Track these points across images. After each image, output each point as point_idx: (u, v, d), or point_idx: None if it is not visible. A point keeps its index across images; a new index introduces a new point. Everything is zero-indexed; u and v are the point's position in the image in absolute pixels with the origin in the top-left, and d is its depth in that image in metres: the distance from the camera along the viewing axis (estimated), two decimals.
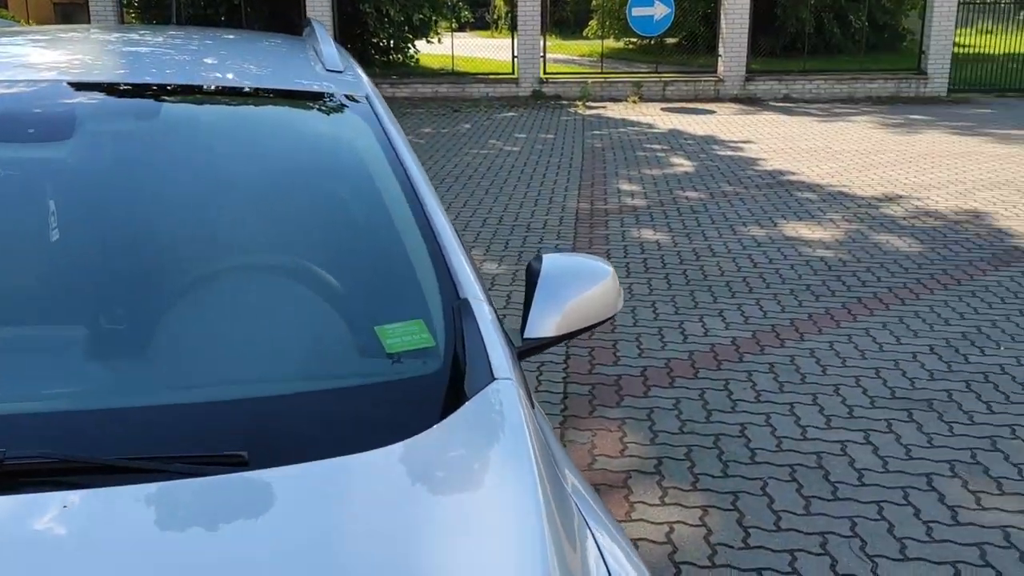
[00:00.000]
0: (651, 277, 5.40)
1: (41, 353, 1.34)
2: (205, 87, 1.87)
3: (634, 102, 13.94)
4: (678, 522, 2.88)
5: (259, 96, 1.90)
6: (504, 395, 1.30)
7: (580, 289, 1.67)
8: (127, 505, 1.04)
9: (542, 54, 14.29)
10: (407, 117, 12.17)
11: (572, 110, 13.05)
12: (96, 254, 1.51)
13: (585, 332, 1.70)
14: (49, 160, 1.66)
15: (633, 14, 14.43)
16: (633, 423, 3.56)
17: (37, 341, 1.37)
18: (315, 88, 1.93)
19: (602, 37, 18.96)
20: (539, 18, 14.12)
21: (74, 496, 1.04)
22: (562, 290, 1.65)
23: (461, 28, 35.23)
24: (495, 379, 1.34)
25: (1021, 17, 16.81)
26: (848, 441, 3.41)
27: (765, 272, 5.50)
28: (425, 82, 14.41)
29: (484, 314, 1.49)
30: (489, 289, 5.10)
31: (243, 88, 1.92)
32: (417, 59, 17.04)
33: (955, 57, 14.51)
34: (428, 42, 17.21)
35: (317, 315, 1.49)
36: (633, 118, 12.34)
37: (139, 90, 1.82)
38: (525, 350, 1.60)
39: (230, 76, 1.98)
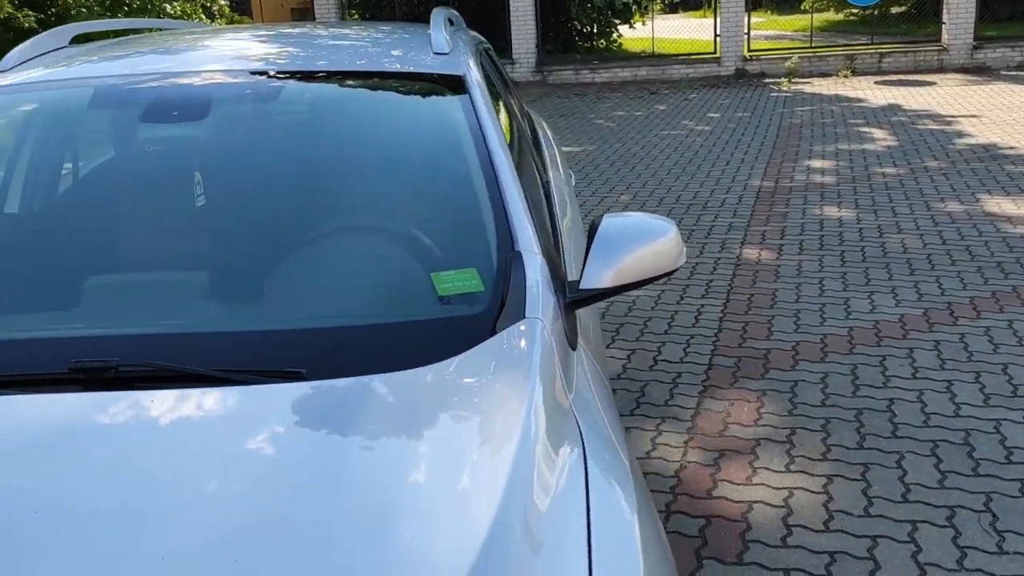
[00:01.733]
0: (824, 254, 5.26)
1: (165, 290, 1.68)
2: (320, 72, 2.19)
3: (845, 76, 13.28)
4: (800, 488, 2.90)
5: (367, 77, 2.19)
6: (527, 331, 1.48)
7: (638, 244, 1.79)
8: (202, 402, 1.33)
9: (746, 31, 13.93)
10: (603, 101, 12.33)
11: (776, 87, 12.64)
12: (207, 214, 1.85)
13: (643, 285, 1.82)
14: (192, 138, 2.02)
15: None
16: (774, 395, 3.56)
17: (162, 282, 1.71)
18: (417, 69, 2.18)
19: (813, 10, 18.10)
20: None
21: (166, 394, 1.34)
22: (620, 245, 1.78)
23: (673, 9, 34.52)
24: (525, 318, 1.52)
25: None
26: (1004, 420, 3.24)
27: (953, 249, 5.20)
28: (624, 66, 14.48)
29: (534, 265, 1.66)
30: None
31: (353, 71, 2.22)
32: (620, 44, 17.12)
33: None
34: (631, 27, 17.22)
35: (388, 265, 1.74)
36: (841, 93, 11.78)
37: (265, 75, 2.15)
38: (579, 299, 1.75)
39: (346, 62, 2.28)
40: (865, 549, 2.58)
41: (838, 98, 11.36)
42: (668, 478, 2.99)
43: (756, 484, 2.94)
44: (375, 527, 1.10)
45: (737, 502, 2.84)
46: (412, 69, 2.19)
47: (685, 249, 1.89)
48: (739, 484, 2.94)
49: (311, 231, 1.81)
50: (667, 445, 3.21)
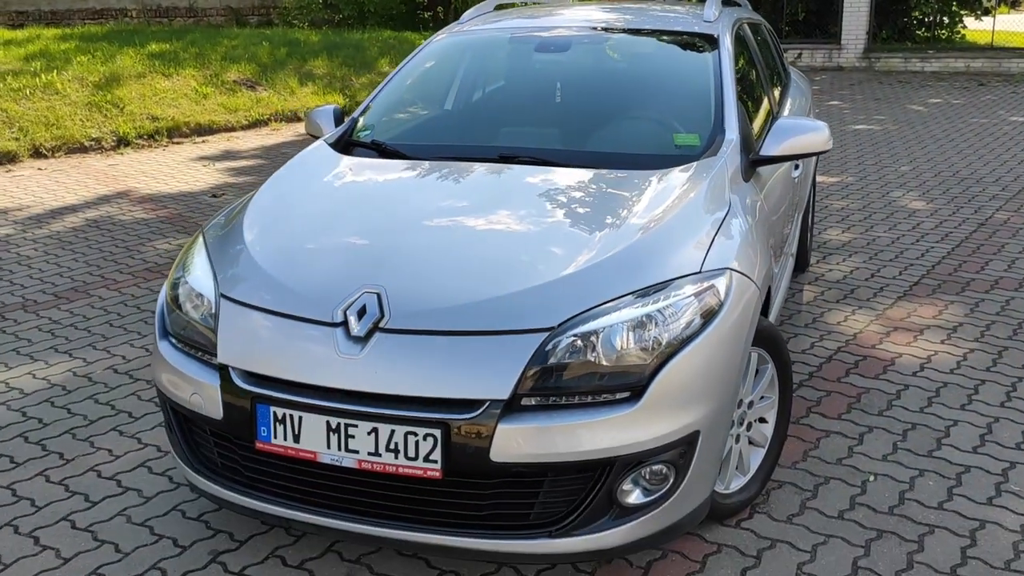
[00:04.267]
0: None
1: (540, 136, 3.31)
2: (626, 28, 3.77)
3: None
4: (944, 352, 3.95)
5: (652, 33, 3.73)
6: (713, 161, 2.89)
7: (799, 134, 3.11)
8: (554, 173, 2.91)
9: None
10: (924, 89, 12.61)
11: None
12: (565, 103, 3.48)
13: (799, 158, 3.13)
14: (559, 60, 3.64)
15: None
16: (960, 304, 4.53)
17: (541, 133, 3.34)
18: (685, 29, 3.65)
19: None
20: None
21: (538, 168, 2.94)
22: (787, 133, 3.11)
23: None
24: (716, 156, 2.93)
25: None
26: None
27: None
28: (959, 57, 14.44)
29: (731, 137, 3.06)
30: (910, 217, 6.13)
31: (644, 29, 3.77)
32: (963, 35, 16.81)
33: None
34: (977, 18, 16.81)
35: (655, 131, 3.24)
36: None
37: (599, 29, 3.72)
38: (757, 159, 3.10)
39: (647, 23, 3.83)
40: (972, 385, 3.63)
41: None
42: (846, 336, 4.17)
43: (911, 347, 4.04)
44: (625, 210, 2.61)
45: (891, 352, 3.98)
46: (685, 29, 3.66)
47: (832, 140, 3.16)
48: (899, 345, 4.06)
49: (616, 115, 3.37)
50: (856, 321, 4.37)
